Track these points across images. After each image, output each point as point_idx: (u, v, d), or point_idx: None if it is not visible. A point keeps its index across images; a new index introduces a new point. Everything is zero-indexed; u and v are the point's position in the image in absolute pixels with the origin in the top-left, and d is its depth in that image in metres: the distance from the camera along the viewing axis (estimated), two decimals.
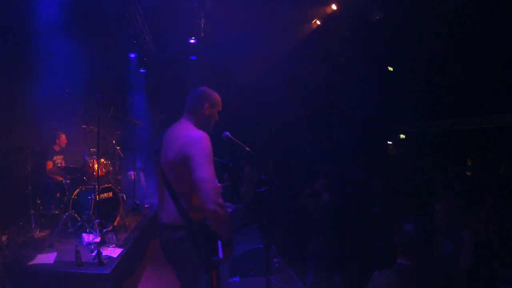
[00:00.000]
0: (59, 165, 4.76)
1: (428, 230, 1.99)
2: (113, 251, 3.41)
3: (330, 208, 3.48)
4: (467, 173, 6.09)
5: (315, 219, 3.50)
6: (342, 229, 3.33)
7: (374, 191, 3.84)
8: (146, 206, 5.41)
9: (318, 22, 6.47)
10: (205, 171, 1.72)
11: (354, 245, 3.26)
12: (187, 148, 1.76)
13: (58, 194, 4.30)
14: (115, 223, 4.27)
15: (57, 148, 4.84)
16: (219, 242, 1.86)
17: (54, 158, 4.78)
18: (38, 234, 3.84)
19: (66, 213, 3.97)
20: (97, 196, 4.04)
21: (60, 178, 4.51)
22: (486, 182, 4.55)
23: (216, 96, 2.03)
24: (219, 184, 1.97)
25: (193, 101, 1.97)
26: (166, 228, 1.88)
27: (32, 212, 3.89)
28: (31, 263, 3.05)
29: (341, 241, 3.27)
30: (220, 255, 1.82)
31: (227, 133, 2.34)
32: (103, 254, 3.14)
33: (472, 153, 7.41)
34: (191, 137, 1.79)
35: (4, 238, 3.46)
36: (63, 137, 4.88)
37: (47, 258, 3.16)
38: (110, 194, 4.37)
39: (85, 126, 4.58)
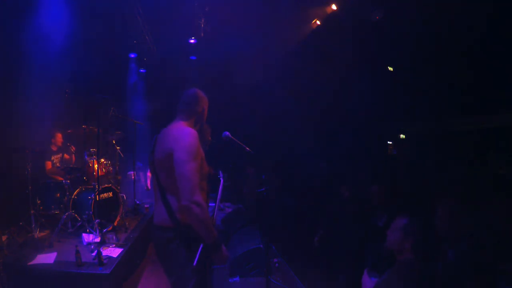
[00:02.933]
0: (58, 164, 4.76)
1: (429, 227, 2.03)
2: (113, 251, 3.41)
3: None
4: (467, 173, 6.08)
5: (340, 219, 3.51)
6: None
7: (377, 199, 3.67)
8: (146, 206, 5.41)
9: (318, 22, 6.46)
10: (185, 167, 1.70)
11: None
12: (172, 144, 1.78)
13: (58, 194, 4.30)
14: (115, 223, 4.27)
15: (54, 147, 4.84)
16: (200, 248, 1.80)
17: (52, 157, 4.78)
18: (38, 234, 3.84)
19: (66, 213, 3.97)
20: (97, 196, 4.04)
21: (60, 178, 4.51)
22: (486, 182, 4.55)
23: (204, 96, 2.08)
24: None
25: (187, 103, 2.00)
26: (157, 229, 1.89)
27: (32, 212, 3.89)
28: (31, 263, 3.05)
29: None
30: (194, 262, 1.75)
31: (227, 133, 2.36)
32: (103, 254, 3.14)
33: (472, 153, 7.40)
34: (177, 133, 1.82)
35: (4, 238, 3.46)
36: (58, 136, 4.87)
37: (47, 258, 3.16)
38: (110, 194, 4.37)
39: (85, 126, 4.58)
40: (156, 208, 1.94)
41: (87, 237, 3.70)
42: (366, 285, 2.32)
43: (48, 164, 4.69)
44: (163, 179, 1.86)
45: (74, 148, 5.02)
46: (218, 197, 2.32)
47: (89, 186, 4.34)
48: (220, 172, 2.57)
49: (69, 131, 4.92)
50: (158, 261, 1.95)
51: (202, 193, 1.89)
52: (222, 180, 2.49)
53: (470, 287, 2.05)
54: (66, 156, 4.97)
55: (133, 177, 5.55)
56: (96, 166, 4.38)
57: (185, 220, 1.81)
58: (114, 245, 3.58)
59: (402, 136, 10.77)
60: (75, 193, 4.18)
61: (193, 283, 1.81)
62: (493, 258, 2.26)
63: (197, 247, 1.79)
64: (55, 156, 4.83)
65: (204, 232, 1.72)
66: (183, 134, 1.79)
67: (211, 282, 2.03)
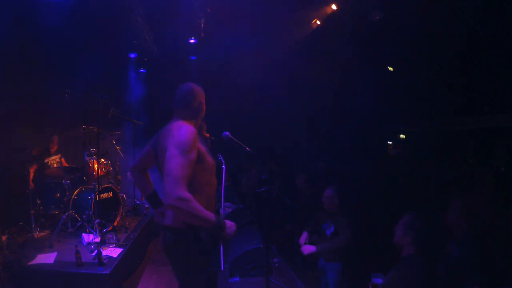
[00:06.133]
0: (56, 165, 4.75)
1: (437, 222, 2.07)
2: (113, 251, 3.41)
3: None
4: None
5: None
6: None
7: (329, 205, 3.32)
8: (146, 206, 5.40)
9: (318, 22, 6.46)
10: (172, 162, 1.61)
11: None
12: (167, 142, 1.73)
13: (58, 194, 4.30)
14: (115, 223, 4.27)
15: (52, 150, 4.80)
16: (221, 254, 1.80)
17: (47, 160, 4.70)
18: (38, 234, 3.85)
19: (66, 213, 3.97)
20: (97, 196, 4.04)
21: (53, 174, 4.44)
22: (486, 181, 4.55)
23: (200, 88, 2.00)
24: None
25: (183, 100, 1.94)
26: (166, 229, 1.87)
27: (32, 212, 3.89)
28: (31, 263, 3.05)
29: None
30: (222, 267, 1.76)
31: (227, 133, 2.36)
32: (103, 254, 3.13)
33: (472, 153, 7.41)
34: (173, 132, 1.76)
35: (4, 238, 3.46)
36: (55, 138, 4.82)
37: (47, 258, 3.16)
38: (110, 194, 4.37)
39: (85, 126, 4.58)
40: (165, 208, 1.93)
41: (87, 237, 3.69)
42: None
43: (34, 167, 4.48)
44: None
45: (64, 161, 4.95)
46: (223, 184, 2.30)
47: (89, 186, 4.34)
48: (219, 156, 2.53)
49: (68, 132, 4.91)
50: (168, 261, 1.93)
51: (210, 188, 1.87)
52: (224, 167, 2.45)
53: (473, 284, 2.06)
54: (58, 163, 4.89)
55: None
56: (96, 166, 4.38)
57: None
58: (114, 245, 3.58)
59: (402, 136, 10.78)
60: (75, 193, 4.18)
61: (201, 284, 1.80)
62: (494, 257, 2.26)
63: (213, 249, 1.78)
64: (51, 158, 4.77)
65: (201, 223, 1.66)
66: (177, 131, 1.75)
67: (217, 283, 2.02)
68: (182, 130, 1.74)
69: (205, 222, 1.65)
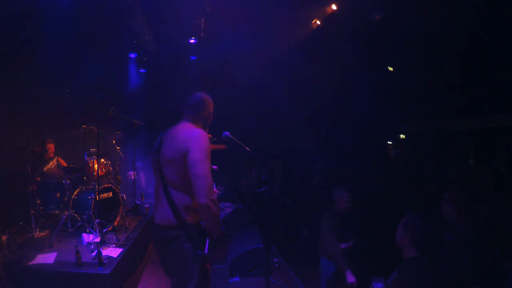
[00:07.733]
0: (54, 167, 4.73)
1: (436, 222, 2.07)
2: (113, 251, 3.41)
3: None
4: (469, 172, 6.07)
5: None
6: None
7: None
8: (146, 206, 5.40)
9: (318, 22, 6.46)
10: (201, 167, 1.77)
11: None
12: (186, 144, 1.83)
13: (58, 194, 4.29)
14: (115, 223, 4.27)
15: (46, 157, 4.76)
16: (207, 240, 1.88)
17: (45, 169, 4.65)
18: (38, 234, 3.84)
19: (66, 213, 3.97)
20: (97, 196, 4.04)
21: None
22: (486, 181, 4.55)
23: (210, 99, 2.15)
24: (216, 189, 2.01)
25: (194, 107, 2.06)
26: (159, 228, 1.90)
27: (32, 212, 3.89)
28: (31, 263, 3.05)
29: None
30: (206, 250, 1.84)
31: (227, 133, 2.37)
32: (103, 254, 3.13)
33: (472, 153, 7.42)
34: (190, 134, 1.88)
35: (4, 238, 3.46)
36: (49, 142, 4.72)
37: (47, 258, 3.16)
38: (110, 194, 4.37)
39: (85, 126, 4.58)
40: (158, 207, 1.93)
41: (87, 237, 3.69)
42: None
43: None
44: (170, 179, 1.87)
45: (62, 160, 4.88)
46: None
47: (89, 186, 4.34)
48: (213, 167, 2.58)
49: (68, 132, 4.90)
50: (159, 261, 1.96)
51: None
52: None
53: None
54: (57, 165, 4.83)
55: (133, 177, 5.55)
56: (96, 166, 4.37)
57: (191, 219, 1.84)
58: (114, 245, 3.58)
59: (402, 136, 10.78)
60: (75, 193, 4.18)
61: (194, 283, 1.81)
62: (496, 255, 2.26)
63: (203, 243, 1.85)
64: (48, 166, 4.70)
65: (215, 227, 1.82)
66: (197, 135, 1.86)
67: (210, 283, 2.03)
68: (202, 135, 1.87)
69: (219, 229, 1.84)
